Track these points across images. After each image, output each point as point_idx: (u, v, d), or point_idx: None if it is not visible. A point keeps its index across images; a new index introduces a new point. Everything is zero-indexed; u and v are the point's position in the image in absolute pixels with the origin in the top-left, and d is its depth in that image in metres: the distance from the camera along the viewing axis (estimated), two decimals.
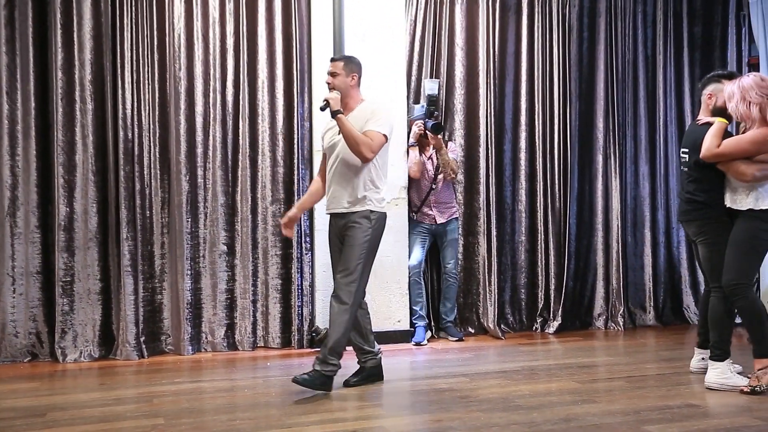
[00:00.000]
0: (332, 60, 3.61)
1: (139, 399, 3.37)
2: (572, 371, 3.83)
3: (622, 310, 5.20)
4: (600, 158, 5.29)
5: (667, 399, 3.22)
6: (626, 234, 5.34)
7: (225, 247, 4.51)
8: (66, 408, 3.20)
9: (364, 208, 3.42)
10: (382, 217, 3.49)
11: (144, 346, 4.30)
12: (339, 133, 3.46)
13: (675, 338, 4.89)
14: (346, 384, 3.54)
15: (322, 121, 4.02)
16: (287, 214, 3.67)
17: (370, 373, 3.63)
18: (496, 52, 5.07)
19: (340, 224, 3.48)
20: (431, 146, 4.77)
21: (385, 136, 3.43)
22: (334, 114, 3.41)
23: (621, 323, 5.18)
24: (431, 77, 4.92)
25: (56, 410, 3.17)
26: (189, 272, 4.40)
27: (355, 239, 3.39)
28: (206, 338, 4.50)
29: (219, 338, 4.50)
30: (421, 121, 4.70)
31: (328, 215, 3.59)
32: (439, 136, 4.69)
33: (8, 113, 4.21)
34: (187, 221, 4.41)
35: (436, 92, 4.74)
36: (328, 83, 3.51)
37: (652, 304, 5.38)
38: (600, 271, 5.28)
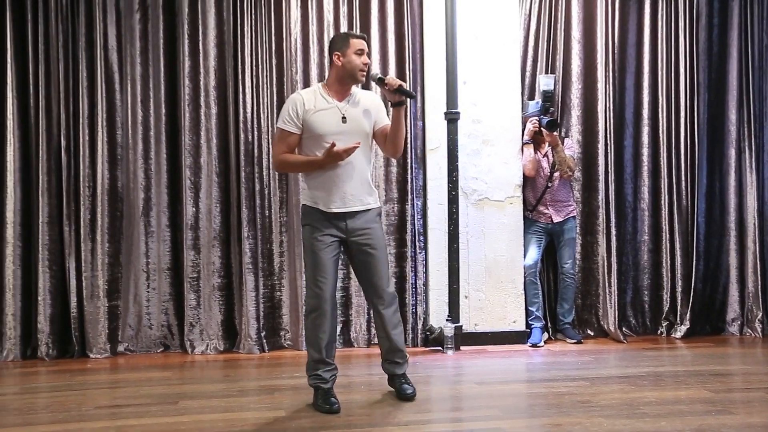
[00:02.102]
0: (365, 39, 3.20)
1: (261, 391, 3.49)
2: (703, 379, 3.59)
3: (760, 316, 4.82)
4: (732, 152, 4.92)
5: None
6: (764, 234, 4.94)
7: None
8: (195, 397, 3.38)
9: (378, 205, 3.24)
10: None
11: (264, 340, 4.47)
12: (344, 120, 3.07)
13: None
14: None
15: (307, 106, 3.13)
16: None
17: None
18: (616, 44, 4.85)
19: (354, 224, 3.13)
20: (546, 143, 4.64)
21: None
22: (401, 103, 3.06)
23: (759, 329, 4.80)
24: (546, 72, 4.78)
25: (186, 398, 3.35)
26: None
27: (378, 240, 3.18)
28: None
29: None
30: (536, 117, 4.58)
31: (328, 213, 3.12)
32: (555, 133, 4.55)
33: (142, 120, 4.51)
34: None
35: (552, 88, 4.60)
36: (368, 64, 3.15)
37: None
38: (734, 273, 4.92)
